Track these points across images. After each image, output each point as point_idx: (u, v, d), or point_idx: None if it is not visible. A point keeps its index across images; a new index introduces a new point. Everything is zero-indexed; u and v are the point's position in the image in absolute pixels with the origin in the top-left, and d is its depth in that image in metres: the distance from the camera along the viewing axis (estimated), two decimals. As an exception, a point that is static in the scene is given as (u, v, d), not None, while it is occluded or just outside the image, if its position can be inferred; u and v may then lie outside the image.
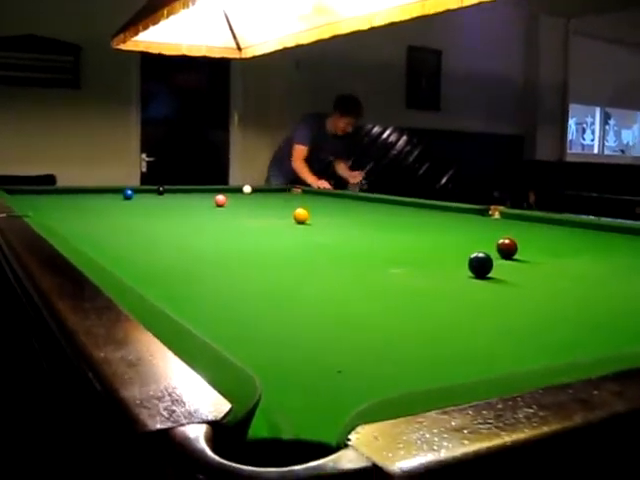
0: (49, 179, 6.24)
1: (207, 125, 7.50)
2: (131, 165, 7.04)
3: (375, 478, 0.62)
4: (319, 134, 6.07)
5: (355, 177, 6.24)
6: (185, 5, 3.20)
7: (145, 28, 3.73)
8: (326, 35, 3.86)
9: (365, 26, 3.49)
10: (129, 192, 4.33)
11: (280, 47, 4.35)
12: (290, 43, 4.25)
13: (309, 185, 5.67)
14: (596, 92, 10.64)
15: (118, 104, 6.90)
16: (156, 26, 3.64)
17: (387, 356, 1.16)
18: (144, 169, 7.14)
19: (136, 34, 3.97)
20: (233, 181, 7.26)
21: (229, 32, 4.72)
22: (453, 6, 2.98)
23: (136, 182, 6.78)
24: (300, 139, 6.02)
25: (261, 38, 4.55)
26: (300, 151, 5.96)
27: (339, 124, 6.07)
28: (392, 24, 3.40)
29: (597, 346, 1.25)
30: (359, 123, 6.55)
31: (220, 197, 3.97)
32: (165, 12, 3.40)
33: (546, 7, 9.09)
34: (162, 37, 4.47)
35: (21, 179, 5.61)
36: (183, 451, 0.65)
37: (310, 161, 5.98)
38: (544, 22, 9.50)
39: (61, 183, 6.07)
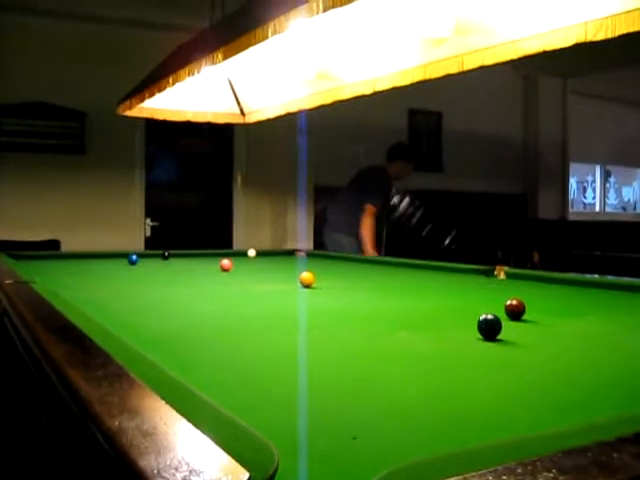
0: (54, 244, 6.27)
1: (211, 189, 7.55)
2: (135, 230, 7.07)
3: None
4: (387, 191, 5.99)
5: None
6: (191, 73, 3.25)
7: (151, 95, 3.79)
8: (329, 100, 3.92)
9: (368, 91, 3.55)
10: (134, 257, 4.34)
11: (283, 112, 4.41)
12: (293, 108, 4.31)
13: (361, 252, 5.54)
14: (596, 150, 10.73)
15: (122, 169, 6.96)
16: (161, 93, 3.69)
17: (401, 421, 1.15)
18: (148, 233, 7.17)
19: (142, 101, 4.03)
20: (237, 243, 7.29)
21: (233, 98, 4.79)
22: (453, 71, 3.04)
23: (140, 246, 6.81)
24: (375, 200, 5.79)
25: (264, 104, 4.62)
26: (373, 214, 5.72)
27: (406, 170, 6.02)
28: (393, 88, 3.45)
29: (612, 406, 1.24)
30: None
31: (225, 262, 3.97)
32: (171, 80, 3.45)
33: (543, 68, 9.21)
34: (167, 104, 4.54)
35: (26, 244, 5.64)
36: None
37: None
38: (542, 82, 9.62)
39: (65, 248, 6.09)
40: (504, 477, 0.75)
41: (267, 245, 7.06)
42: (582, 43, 2.48)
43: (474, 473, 0.76)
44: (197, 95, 4.61)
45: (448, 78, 3.17)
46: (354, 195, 5.95)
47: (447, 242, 9.01)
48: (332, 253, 5.40)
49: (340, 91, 3.77)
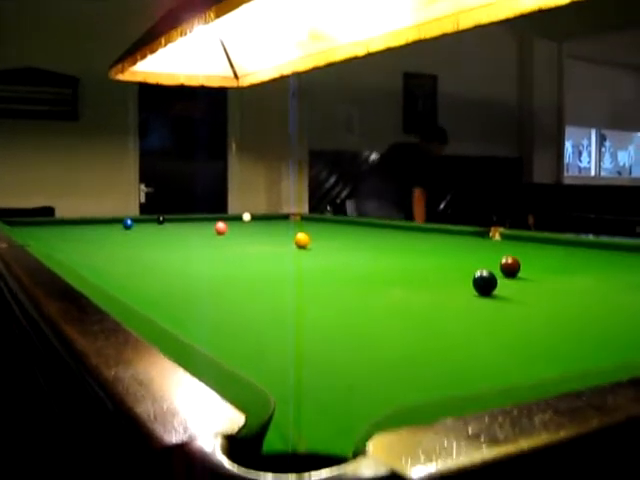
0: (48, 211, 6.25)
1: (205, 154, 7.52)
2: (130, 196, 7.05)
3: (395, 485, 0.62)
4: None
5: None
6: (182, 33, 3.22)
7: (143, 57, 3.75)
8: (322, 62, 3.89)
9: (361, 52, 3.51)
10: (129, 222, 4.33)
11: (277, 75, 4.37)
12: (287, 70, 4.27)
13: None
14: (591, 114, 10.68)
15: (116, 135, 6.92)
16: (154, 55, 3.65)
17: (397, 372, 1.16)
18: (143, 200, 7.15)
19: (134, 64, 3.98)
20: (232, 209, 7.27)
21: (226, 61, 4.75)
22: (449, 30, 3.01)
23: (135, 213, 6.79)
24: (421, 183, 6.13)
25: (258, 66, 4.58)
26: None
27: (440, 152, 6.37)
28: (388, 50, 3.42)
29: (607, 358, 1.24)
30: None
31: (220, 225, 3.97)
32: (163, 40, 3.42)
33: (539, 31, 9.16)
34: (160, 67, 4.50)
35: (20, 211, 5.62)
36: (201, 463, 0.65)
37: None
38: (538, 46, 9.56)
39: (60, 215, 6.08)
40: (500, 419, 0.75)
41: (262, 210, 7.04)
42: (578, 3, 2.46)
43: (470, 415, 0.76)
44: (190, 58, 4.57)
45: (443, 41, 3.15)
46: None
47: (442, 206, 9.00)
48: (327, 217, 5.41)
49: (333, 52, 3.73)
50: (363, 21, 3.43)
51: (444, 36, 3.07)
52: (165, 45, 3.44)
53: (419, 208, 5.98)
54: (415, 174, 6.12)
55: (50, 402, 1.26)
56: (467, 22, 2.89)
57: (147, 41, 3.72)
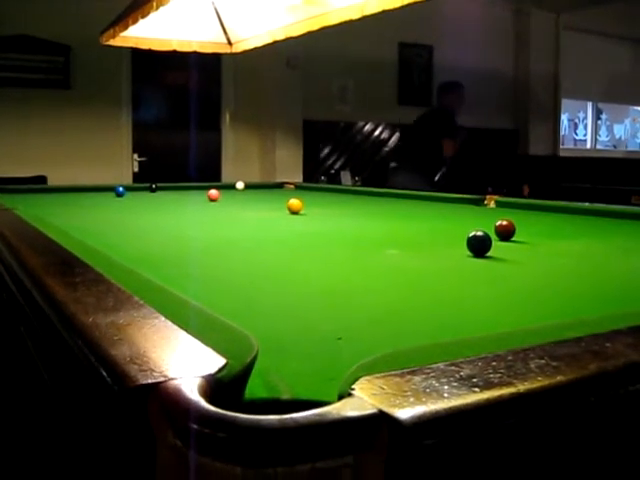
0: (40, 180, 6.19)
1: (199, 124, 7.44)
2: (123, 165, 6.99)
3: (382, 426, 0.58)
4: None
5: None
6: (174, -5, 3.16)
7: (135, 22, 3.68)
8: (317, 26, 3.82)
9: (356, 15, 3.45)
10: (121, 189, 4.29)
11: (270, 40, 4.30)
12: (280, 36, 4.20)
13: None
14: (588, 87, 10.63)
15: (109, 104, 6.85)
16: (146, 20, 3.59)
17: (388, 324, 1.13)
18: (136, 169, 7.09)
19: (126, 28, 3.92)
20: (226, 178, 7.21)
21: (219, 27, 4.68)
22: (445, -9, 2.95)
23: (128, 182, 6.72)
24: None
25: (251, 32, 4.51)
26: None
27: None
28: (382, 19, 3.36)
29: (601, 311, 1.21)
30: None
31: (213, 191, 3.92)
32: (155, 4, 3.35)
33: (536, 1, 9.08)
34: (152, 33, 4.43)
35: (12, 180, 5.55)
36: (175, 402, 0.61)
37: None
38: (535, 17, 9.47)
39: (53, 183, 6.02)
40: (494, 363, 0.72)
41: (256, 180, 6.99)
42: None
43: (463, 359, 0.73)
44: (183, 24, 4.50)
45: (440, 11, 3.10)
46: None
47: (437, 177, 8.95)
48: (323, 185, 5.37)
49: (327, 16, 3.67)
50: (358, -17, 3.37)
51: (438, 1, 3.01)
52: (157, 8, 3.37)
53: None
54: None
55: (35, 358, 1.23)
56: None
57: (139, 5, 3.65)
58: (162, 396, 0.63)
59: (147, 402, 0.64)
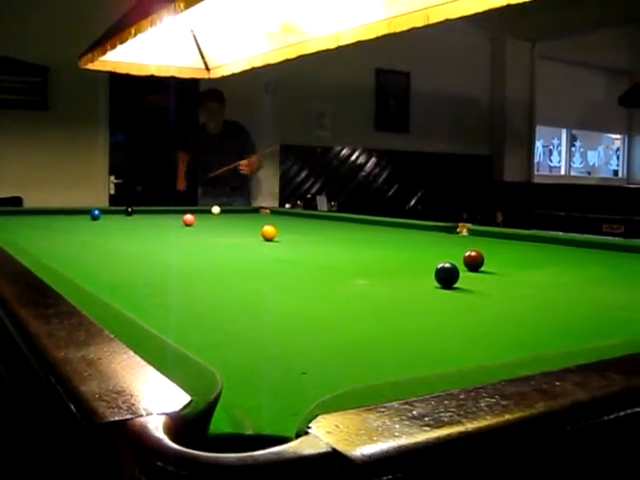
0: (16, 201, 6.18)
1: (176, 147, 7.46)
2: (99, 187, 6.99)
3: (336, 464, 0.62)
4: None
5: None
6: (152, 24, 3.19)
7: (113, 47, 3.72)
8: (294, 54, 3.88)
9: (332, 45, 3.51)
10: (96, 212, 4.30)
11: (248, 67, 4.35)
12: (258, 63, 4.25)
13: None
14: (562, 114, 10.78)
15: (86, 126, 6.86)
16: (124, 45, 3.62)
17: (353, 357, 1.16)
18: (112, 191, 7.09)
19: (104, 53, 3.95)
20: (202, 202, 7.22)
21: (197, 52, 4.73)
22: (419, 24, 3.01)
23: (104, 204, 6.72)
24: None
25: (229, 58, 4.56)
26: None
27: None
28: (360, 45, 3.42)
29: (560, 345, 1.25)
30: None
31: (188, 216, 3.95)
32: (133, 30, 3.39)
33: (512, 31, 9.21)
34: (130, 57, 4.46)
35: (-13, 201, 5.56)
36: (140, 440, 0.64)
37: None
38: (510, 45, 9.62)
39: (28, 205, 6.02)
40: (446, 402, 0.75)
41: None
42: (550, 2, 2.47)
43: (416, 398, 0.76)
44: (161, 49, 4.53)
45: (416, 38, 3.15)
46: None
47: (413, 203, 9.03)
48: (298, 211, 5.41)
49: (305, 45, 3.73)
50: (334, 14, 3.43)
51: (414, 30, 3.07)
52: (135, 35, 3.41)
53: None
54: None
55: (10, 388, 1.25)
56: (437, 17, 2.89)
57: (117, 31, 3.69)
58: (129, 433, 0.66)
59: (115, 438, 0.67)
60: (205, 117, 6.35)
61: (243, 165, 6.08)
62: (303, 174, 8.13)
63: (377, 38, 3.24)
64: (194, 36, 4.61)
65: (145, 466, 0.61)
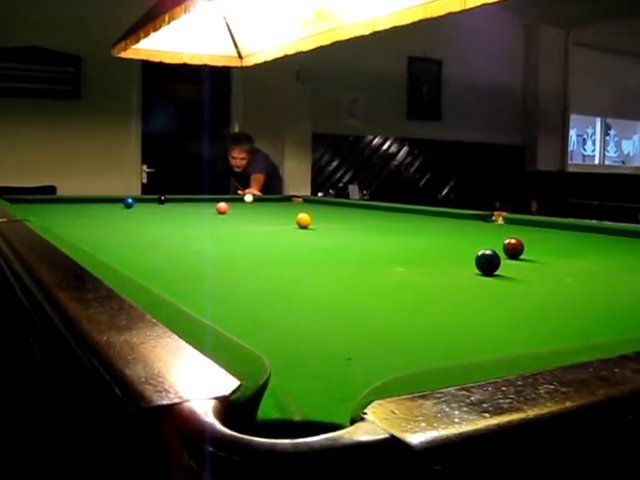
0: (50, 190, 6.23)
1: (208, 136, 7.47)
2: (132, 176, 7.02)
3: (394, 451, 0.59)
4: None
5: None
6: (186, 10, 3.18)
7: (146, 35, 3.71)
8: (328, 41, 3.84)
9: (367, 31, 3.47)
10: (130, 201, 4.30)
11: (281, 54, 4.32)
12: (291, 50, 4.22)
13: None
14: (596, 103, 10.64)
15: (119, 115, 6.89)
16: (157, 33, 3.61)
17: (397, 345, 1.13)
18: (145, 180, 7.12)
19: (137, 41, 3.94)
20: (234, 191, 7.23)
21: (230, 40, 4.71)
22: (456, 9, 2.96)
23: (137, 193, 6.75)
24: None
25: (262, 46, 4.54)
26: None
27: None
28: (392, 33, 3.38)
29: (610, 332, 1.22)
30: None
31: (222, 204, 3.94)
32: (166, 17, 3.38)
33: (546, 17, 9.10)
34: (163, 46, 4.46)
35: (22, 190, 5.58)
36: (190, 424, 0.62)
37: None
38: (544, 33, 9.50)
39: (61, 194, 6.05)
40: (504, 388, 0.73)
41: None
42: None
43: (473, 384, 0.73)
44: (194, 37, 4.52)
45: (449, 26, 3.11)
46: None
47: (445, 192, 8.97)
48: (331, 199, 5.38)
49: (339, 32, 3.69)
50: (369, 0, 3.39)
51: (447, 17, 3.02)
52: (169, 22, 3.40)
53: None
54: None
55: (45, 372, 1.23)
56: (474, 0, 2.84)
57: (150, 18, 3.68)
58: (177, 418, 0.64)
59: (161, 423, 0.65)
60: (231, 160, 6.47)
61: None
62: (335, 163, 8.10)
63: (412, 24, 3.20)
64: (227, 24, 4.59)
65: (195, 451, 0.59)
